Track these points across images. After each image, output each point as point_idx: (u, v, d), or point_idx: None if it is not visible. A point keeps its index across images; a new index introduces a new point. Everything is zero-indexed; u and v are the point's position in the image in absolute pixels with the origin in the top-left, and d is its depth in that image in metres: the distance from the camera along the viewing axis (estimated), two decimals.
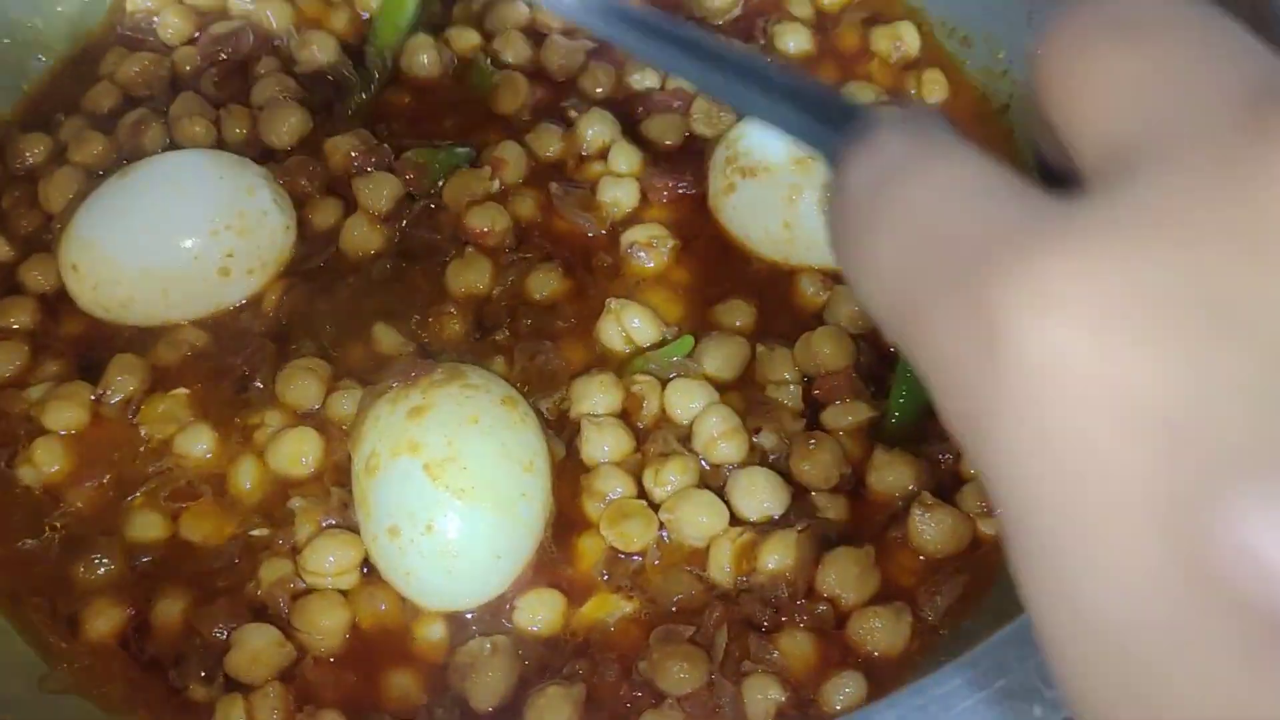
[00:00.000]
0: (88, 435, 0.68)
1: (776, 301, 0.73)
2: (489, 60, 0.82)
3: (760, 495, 0.64)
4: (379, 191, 0.74)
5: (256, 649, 0.60)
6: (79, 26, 0.86)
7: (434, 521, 0.59)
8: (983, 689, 0.46)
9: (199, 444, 0.67)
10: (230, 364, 0.70)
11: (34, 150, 0.79)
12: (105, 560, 0.63)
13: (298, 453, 0.65)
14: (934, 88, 0.82)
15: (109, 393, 0.68)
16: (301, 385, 0.67)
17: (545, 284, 0.72)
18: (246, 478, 0.66)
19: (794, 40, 0.84)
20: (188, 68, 0.83)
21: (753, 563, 0.62)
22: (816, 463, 0.65)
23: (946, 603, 0.61)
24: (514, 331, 0.71)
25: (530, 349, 0.70)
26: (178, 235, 0.70)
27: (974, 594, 0.62)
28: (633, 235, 0.74)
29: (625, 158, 0.77)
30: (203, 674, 0.60)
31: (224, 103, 0.80)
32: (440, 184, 0.76)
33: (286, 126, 0.77)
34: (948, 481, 0.66)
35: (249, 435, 0.68)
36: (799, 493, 0.65)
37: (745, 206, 0.74)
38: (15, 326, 0.72)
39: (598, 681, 0.60)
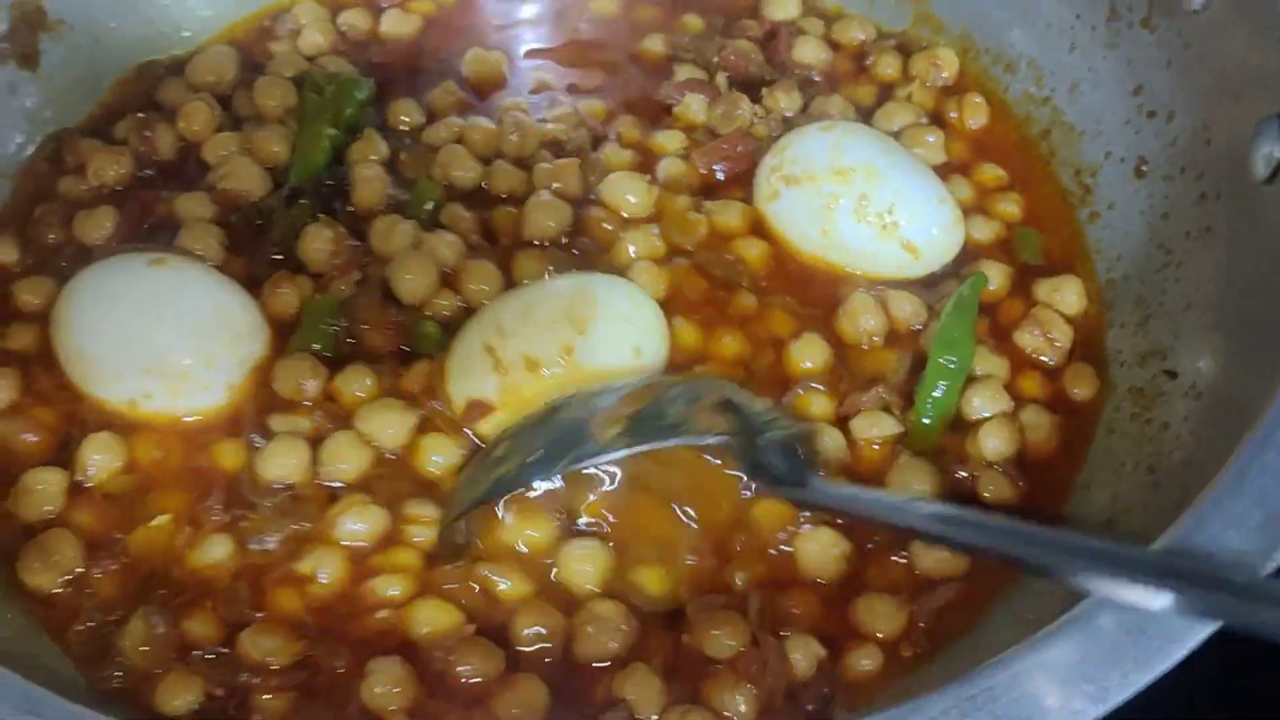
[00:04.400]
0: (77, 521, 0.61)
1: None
2: None
3: None
4: None
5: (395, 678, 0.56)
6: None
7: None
8: None
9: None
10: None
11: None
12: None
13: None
14: (975, 111, 0.81)
15: (90, 474, 0.63)
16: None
17: None
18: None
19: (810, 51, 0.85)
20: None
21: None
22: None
23: (937, 604, 0.59)
24: None
25: None
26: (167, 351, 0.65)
27: (971, 606, 0.60)
28: None
29: None
30: None
31: None
32: None
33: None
34: (965, 501, 0.63)
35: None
36: None
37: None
38: (12, 349, 0.68)
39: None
